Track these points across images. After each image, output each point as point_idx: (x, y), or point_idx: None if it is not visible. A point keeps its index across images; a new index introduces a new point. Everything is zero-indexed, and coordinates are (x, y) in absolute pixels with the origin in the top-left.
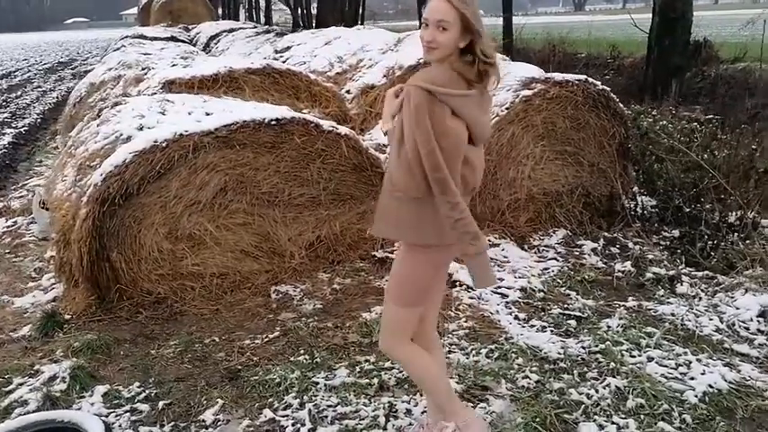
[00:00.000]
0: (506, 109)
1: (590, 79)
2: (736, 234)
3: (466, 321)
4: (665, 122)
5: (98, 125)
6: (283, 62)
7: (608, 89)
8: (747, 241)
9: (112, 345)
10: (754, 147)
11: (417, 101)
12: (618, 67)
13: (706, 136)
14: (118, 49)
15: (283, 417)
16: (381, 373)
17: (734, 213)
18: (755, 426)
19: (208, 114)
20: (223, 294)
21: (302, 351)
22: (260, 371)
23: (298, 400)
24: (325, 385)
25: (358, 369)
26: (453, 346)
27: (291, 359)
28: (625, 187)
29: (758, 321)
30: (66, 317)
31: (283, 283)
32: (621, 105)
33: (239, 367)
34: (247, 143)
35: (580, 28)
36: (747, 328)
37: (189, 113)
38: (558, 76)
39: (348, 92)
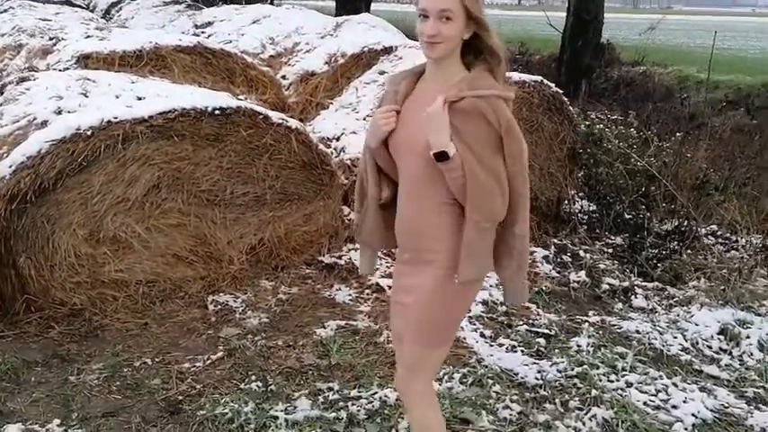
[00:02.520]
0: None
1: (545, 81)
2: (675, 243)
3: None
4: (601, 126)
5: (1, 104)
6: (207, 38)
7: (561, 92)
8: (689, 251)
9: (20, 369)
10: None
11: (508, 114)
12: (526, 63)
13: (642, 142)
14: (6, 10)
15: None
16: (348, 405)
17: (673, 221)
18: None
19: (139, 99)
20: (151, 305)
21: (253, 377)
22: (206, 402)
23: None
24: (285, 420)
25: (321, 399)
26: None
27: (242, 387)
28: (570, 192)
29: (719, 339)
30: None
31: (221, 292)
32: (572, 109)
33: (180, 398)
34: (186, 134)
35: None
36: (710, 347)
37: (117, 96)
38: (514, 75)
39: (284, 77)
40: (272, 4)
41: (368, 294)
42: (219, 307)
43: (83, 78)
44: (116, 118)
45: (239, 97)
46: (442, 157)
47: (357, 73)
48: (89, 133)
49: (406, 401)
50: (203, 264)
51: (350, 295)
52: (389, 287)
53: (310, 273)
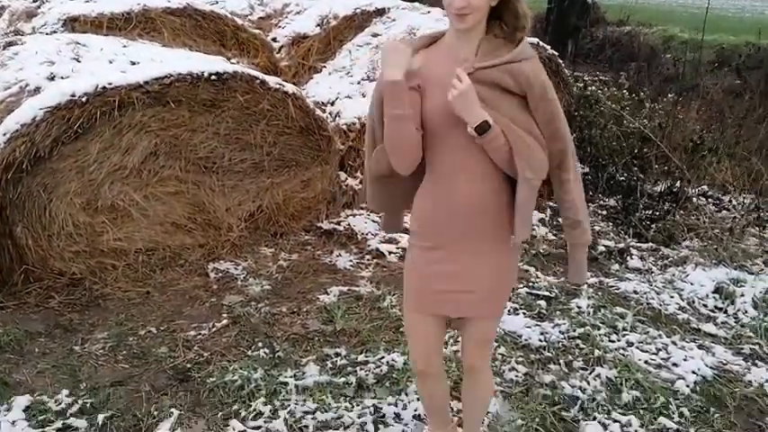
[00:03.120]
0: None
1: (541, 42)
2: (668, 204)
3: None
4: (593, 88)
5: None
6: None
7: (557, 53)
8: (682, 212)
9: (23, 340)
10: (680, 116)
11: (544, 74)
12: None
13: (635, 104)
14: None
15: (255, 429)
16: (357, 369)
17: (666, 183)
18: (746, 415)
19: (133, 64)
20: (151, 273)
21: (259, 343)
22: (215, 370)
23: (269, 406)
24: (296, 386)
25: (329, 365)
26: None
27: (249, 354)
28: None
29: (714, 298)
30: None
31: (221, 260)
32: (567, 71)
33: (188, 366)
34: (183, 100)
35: None
36: (706, 305)
37: (110, 62)
38: None
39: (275, 40)
40: None
41: (368, 260)
42: (221, 275)
43: (73, 42)
44: (111, 84)
45: (231, 61)
46: (482, 128)
47: (350, 35)
48: (84, 100)
49: (479, 375)
50: (202, 231)
51: (350, 261)
52: (390, 252)
53: (309, 239)
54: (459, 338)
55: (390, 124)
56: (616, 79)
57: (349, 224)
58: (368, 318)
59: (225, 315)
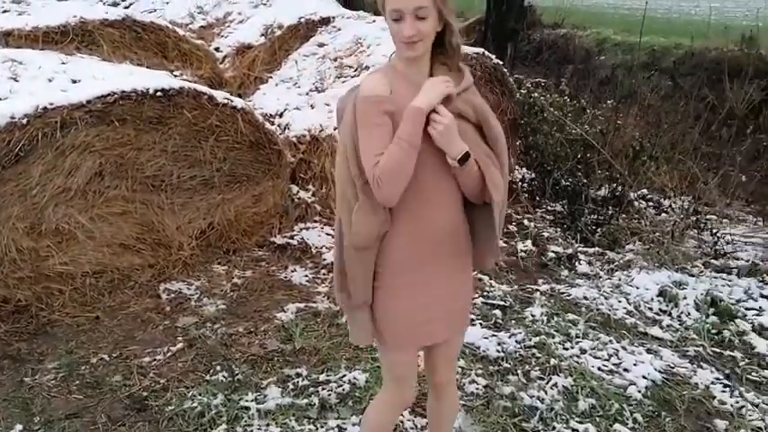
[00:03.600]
0: None
1: (486, 52)
2: (611, 208)
3: None
4: (536, 95)
5: None
6: (126, 9)
7: (501, 63)
8: (624, 216)
9: None
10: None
11: (480, 101)
12: None
13: (576, 110)
14: None
15: None
16: (319, 390)
17: (606, 187)
18: (694, 418)
19: (75, 82)
20: (100, 297)
21: (218, 367)
22: (173, 397)
23: None
24: (257, 411)
25: (291, 386)
26: None
27: (207, 378)
28: (512, 162)
29: (659, 301)
30: None
31: (173, 280)
32: (511, 80)
33: (145, 394)
34: (128, 118)
35: None
36: (651, 309)
37: (49, 80)
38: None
39: (217, 50)
40: None
41: (324, 275)
42: (173, 295)
43: (9, 60)
44: (52, 104)
45: (174, 73)
46: (464, 159)
47: (295, 45)
48: (24, 122)
49: (449, 388)
50: (151, 251)
51: (306, 276)
52: None
53: (263, 255)
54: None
55: (406, 151)
56: (555, 83)
57: (303, 238)
58: (327, 335)
59: (180, 338)
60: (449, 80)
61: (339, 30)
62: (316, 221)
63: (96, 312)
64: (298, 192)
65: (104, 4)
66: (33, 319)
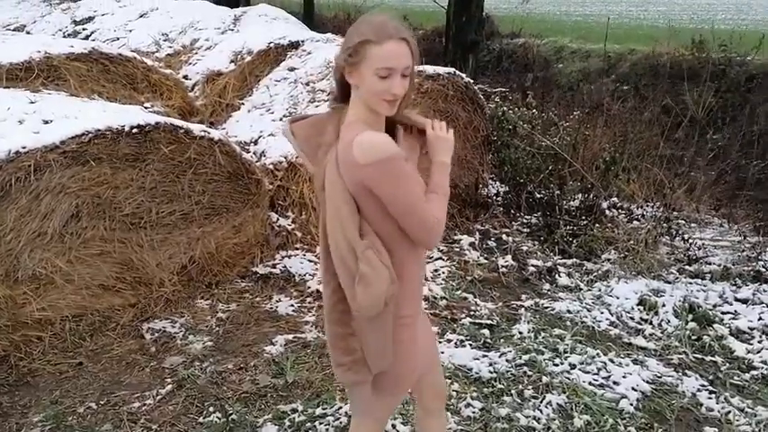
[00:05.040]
0: None
1: (457, 72)
2: (585, 219)
3: None
4: (505, 109)
5: None
6: (88, 38)
7: (472, 81)
8: (597, 225)
9: None
10: (587, 133)
11: None
12: None
13: (544, 123)
14: None
15: None
16: (316, 425)
17: (579, 197)
18: (685, 426)
19: (46, 123)
20: (81, 342)
21: (210, 407)
22: None
23: None
24: None
25: (287, 422)
26: None
27: (201, 420)
28: (486, 176)
29: (639, 310)
30: None
31: (156, 319)
32: (482, 97)
33: None
34: (104, 157)
35: None
36: (633, 318)
37: (20, 122)
38: (428, 68)
39: (186, 77)
40: None
41: (310, 303)
42: (157, 335)
43: None
44: (24, 148)
45: (145, 105)
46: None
47: (265, 70)
48: None
49: (442, 410)
50: (132, 290)
51: (292, 306)
52: None
53: (246, 286)
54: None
55: (445, 201)
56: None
57: (285, 266)
58: (318, 366)
59: (168, 379)
60: (443, 124)
61: (309, 53)
62: (297, 248)
63: (79, 358)
64: (277, 219)
65: (65, 35)
66: (13, 369)
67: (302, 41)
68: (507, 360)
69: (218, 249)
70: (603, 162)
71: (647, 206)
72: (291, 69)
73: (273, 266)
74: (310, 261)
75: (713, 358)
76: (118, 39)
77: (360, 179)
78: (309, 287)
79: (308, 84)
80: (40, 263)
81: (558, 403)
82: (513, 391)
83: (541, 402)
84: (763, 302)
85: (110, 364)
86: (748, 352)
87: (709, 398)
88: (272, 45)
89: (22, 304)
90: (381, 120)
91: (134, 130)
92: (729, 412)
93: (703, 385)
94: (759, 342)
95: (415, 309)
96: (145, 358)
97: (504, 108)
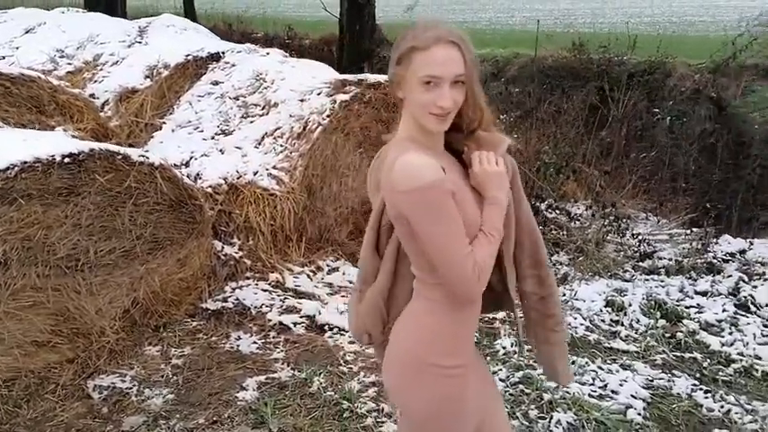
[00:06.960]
0: (327, 116)
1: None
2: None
3: (366, 376)
4: None
5: None
6: None
7: None
8: (541, 227)
9: None
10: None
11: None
12: (299, 48)
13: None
14: None
15: None
16: None
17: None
18: (692, 430)
19: None
20: (17, 410)
21: None
22: None
23: None
24: None
25: None
26: (372, 412)
27: None
28: None
29: (608, 312)
30: None
31: (102, 374)
32: None
33: None
34: (33, 193)
35: (254, 6)
36: (604, 321)
37: None
38: (370, 77)
39: (93, 96)
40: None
41: (274, 337)
42: (106, 393)
43: None
44: None
45: (57, 129)
46: None
47: (185, 85)
48: None
49: None
50: (69, 344)
51: (255, 343)
52: (295, 324)
53: (198, 325)
54: None
55: (496, 244)
56: None
57: (237, 298)
58: (303, 410)
59: None
60: (500, 158)
61: (233, 65)
62: (248, 278)
63: (16, 428)
64: (222, 248)
65: None
66: None
67: (223, 53)
68: (501, 379)
69: (162, 287)
70: (543, 164)
71: (581, 205)
72: (216, 83)
73: (224, 300)
74: (264, 291)
75: (692, 355)
76: (4, 57)
77: (397, 206)
78: (270, 320)
79: (237, 98)
80: None
81: (567, 421)
82: (518, 414)
83: (550, 422)
84: (721, 293)
85: None
86: (723, 345)
87: (706, 397)
88: (189, 57)
89: None
90: (435, 139)
91: (66, 160)
92: (729, 411)
93: (695, 384)
94: (730, 334)
95: (467, 357)
96: (98, 423)
97: None
